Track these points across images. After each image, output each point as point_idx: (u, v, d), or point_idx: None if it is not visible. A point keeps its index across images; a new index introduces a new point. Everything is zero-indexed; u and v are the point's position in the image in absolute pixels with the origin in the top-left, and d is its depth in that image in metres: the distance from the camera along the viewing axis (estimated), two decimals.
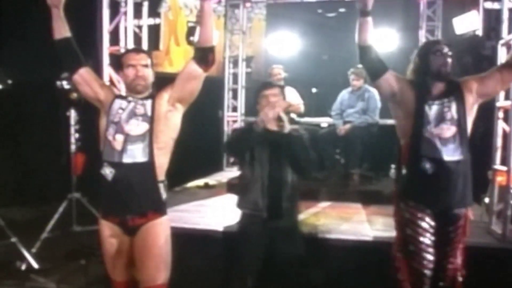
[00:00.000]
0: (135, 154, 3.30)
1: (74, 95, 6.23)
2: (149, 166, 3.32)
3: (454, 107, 3.51)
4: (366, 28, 3.51)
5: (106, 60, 6.04)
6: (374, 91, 7.22)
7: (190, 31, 8.34)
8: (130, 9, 5.99)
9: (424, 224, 3.53)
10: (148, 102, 3.41)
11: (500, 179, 5.12)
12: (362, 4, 3.47)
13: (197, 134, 8.38)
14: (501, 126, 5.10)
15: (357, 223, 5.71)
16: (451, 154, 3.45)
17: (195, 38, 8.08)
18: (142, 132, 3.33)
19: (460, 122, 3.50)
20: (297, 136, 3.93)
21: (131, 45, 5.97)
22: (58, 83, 6.10)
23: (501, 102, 5.05)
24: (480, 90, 3.58)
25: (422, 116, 3.48)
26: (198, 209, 6.28)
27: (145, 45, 6.15)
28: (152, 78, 3.49)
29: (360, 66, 7.18)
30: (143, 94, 3.43)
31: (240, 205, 4.03)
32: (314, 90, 9.53)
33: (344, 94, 7.59)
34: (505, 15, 5.20)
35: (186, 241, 5.07)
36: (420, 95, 3.53)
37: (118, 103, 3.42)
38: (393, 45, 8.95)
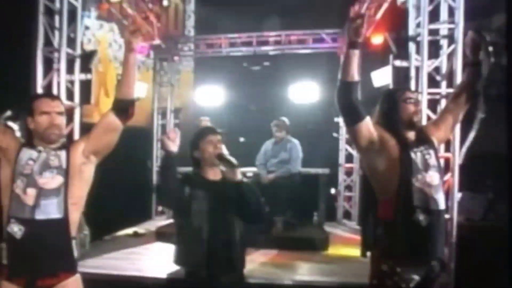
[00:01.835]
0: (49, 210, 3.05)
1: None
2: (63, 222, 3.08)
3: (432, 154, 3.37)
4: (354, 61, 3.15)
5: None
6: (296, 142, 7.83)
7: (120, 79, 8.64)
8: (62, 65, 6.28)
9: (406, 286, 3.24)
10: (63, 153, 3.18)
11: None
12: (353, 34, 3.13)
13: (126, 183, 8.65)
14: None
15: (280, 268, 6.08)
16: (442, 203, 3.31)
17: None
18: (56, 186, 3.09)
19: (440, 169, 3.42)
20: (249, 183, 3.65)
21: (64, 99, 6.16)
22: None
23: (441, 153, 5.51)
24: (438, 136, 3.53)
25: (410, 164, 3.28)
26: (128, 257, 6.55)
27: (77, 99, 6.46)
28: (64, 126, 3.28)
29: (282, 118, 7.87)
30: (55, 144, 3.20)
31: (178, 261, 3.67)
32: (241, 139, 10.03)
33: (267, 145, 8.07)
34: (412, 73, 5.90)
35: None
36: (402, 143, 3.34)
37: (26, 153, 3.14)
38: (314, 97, 9.56)
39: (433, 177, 3.28)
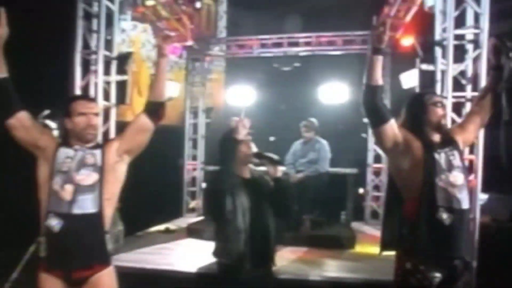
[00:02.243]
0: (85, 205, 3.21)
1: None
2: (98, 217, 3.24)
3: (457, 154, 3.48)
4: (378, 66, 3.36)
5: None
6: (324, 142, 8.01)
7: (152, 82, 8.88)
8: (100, 67, 6.60)
9: (430, 284, 3.34)
10: (98, 152, 3.35)
11: None
12: (376, 41, 3.36)
13: (158, 181, 8.94)
14: None
15: (308, 265, 6.26)
16: (465, 202, 3.40)
17: None
18: (92, 183, 3.26)
19: (465, 169, 3.52)
20: (285, 180, 4.01)
21: (100, 99, 6.55)
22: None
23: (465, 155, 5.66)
24: (464, 138, 3.63)
25: (433, 165, 3.40)
26: (159, 252, 6.81)
27: (113, 99, 6.77)
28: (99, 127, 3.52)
29: (311, 119, 8.05)
30: (91, 143, 3.38)
31: (219, 254, 3.94)
32: (271, 138, 10.21)
33: (296, 145, 8.26)
34: (438, 76, 6.04)
35: (148, 282, 5.74)
36: (426, 144, 3.46)
37: (63, 152, 3.31)
38: (344, 98, 9.62)
39: (457, 177, 3.38)
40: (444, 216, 3.32)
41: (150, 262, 6.21)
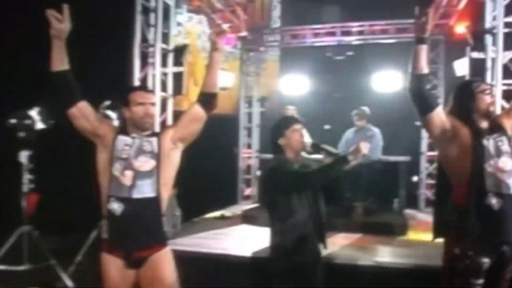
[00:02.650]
0: (144, 189, 3.40)
1: (21, 135, 6.29)
2: (156, 201, 3.44)
3: (505, 140, 3.52)
4: (423, 55, 3.40)
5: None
6: (376, 131, 8.18)
7: (205, 73, 9.17)
8: (157, 59, 6.93)
9: (478, 270, 3.40)
10: (154, 140, 3.52)
11: None
12: (419, 31, 3.41)
13: (214, 169, 9.25)
14: None
15: (359, 251, 6.41)
16: None
17: None
18: (150, 169, 3.44)
19: None
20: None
21: (158, 91, 6.89)
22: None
23: None
24: (511, 124, 3.65)
25: (482, 151, 3.44)
26: (215, 237, 7.10)
27: (170, 90, 7.11)
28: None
29: (363, 107, 8.20)
30: (148, 131, 3.57)
31: (274, 238, 4.01)
32: (326, 127, 10.37)
33: (348, 134, 8.45)
34: (489, 64, 6.11)
35: (203, 265, 5.99)
36: (474, 130, 3.50)
37: (122, 139, 3.49)
38: (398, 86, 9.62)
39: (506, 162, 3.42)
40: (493, 201, 3.36)
41: (206, 246, 6.47)
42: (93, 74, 6.42)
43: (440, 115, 3.45)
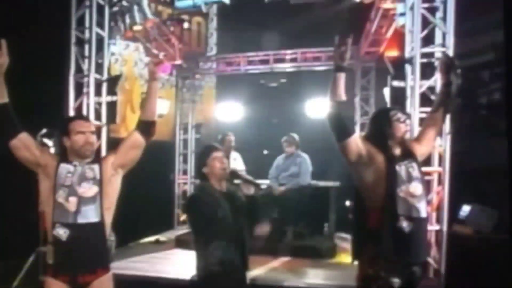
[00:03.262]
0: (89, 214, 3.55)
1: None
2: (100, 225, 3.61)
3: (415, 166, 3.74)
4: (341, 83, 3.57)
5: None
6: (305, 156, 8.60)
7: (143, 102, 9.44)
8: (91, 89, 7.22)
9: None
10: (96, 167, 3.68)
11: None
12: (338, 59, 3.56)
13: (151, 194, 9.48)
14: None
15: (287, 273, 6.84)
16: (423, 211, 3.68)
17: None
18: (93, 194, 3.59)
19: (423, 180, 3.78)
20: (257, 198, 4.24)
21: (92, 119, 7.10)
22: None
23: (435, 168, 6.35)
24: (420, 151, 3.91)
25: (395, 176, 3.65)
26: (149, 261, 7.43)
27: (104, 119, 7.37)
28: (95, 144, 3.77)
29: (292, 134, 8.64)
30: (89, 159, 3.70)
31: (211, 264, 4.03)
32: (265, 152, 10.71)
33: (279, 159, 8.83)
34: (409, 93, 6.51)
35: (140, 287, 6.31)
36: (388, 157, 3.71)
37: (64, 167, 3.62)
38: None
39: (416, 187, 3.66)
40: (404, 224, 3.59)
41: (140, 270, 6.81)
42: (28, 104, 6.60)
43: (356, 141, 3.65)
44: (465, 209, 7.16)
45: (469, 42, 8.14)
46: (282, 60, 10.55)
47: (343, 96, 3.59)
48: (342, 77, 3.59)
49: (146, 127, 3.82)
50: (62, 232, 3.52)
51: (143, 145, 3.83)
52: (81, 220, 3.54)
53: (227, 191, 4.17)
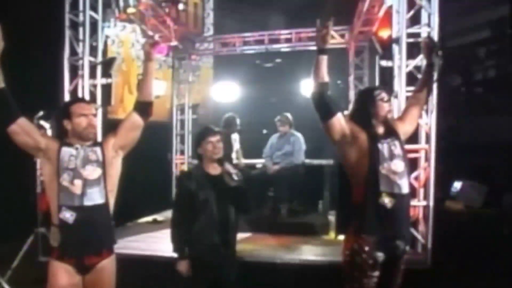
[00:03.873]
0: (94, 197, 3.56)
1: None
2: (105, 207, 3.64)
3: (398, 144, 3.83)
4: (323, 65, 3.67)
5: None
6: (298, 135, 8.79)
7: (140, 83, 9.55)
8: (86, 71, 7.30)
9: (374, 263, 3.75)
10: (98, 149, 3.70)
11: None
12: (320, 42, 3.68)
13: (148, 174, 9.61)
14: None
15: (280, 250, 7.01)
16: (405, 188, 3.77)
17: None
18: (97, 177, 3.61)
19: (405, 158, 3.86)
20: (240, 188, 4.25)
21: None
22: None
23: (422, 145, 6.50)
24: (403, 129, 4.02)
25: (377, 154, 3.75)
26: (146, 240, 7.64)
27: (99, 101, 7.44)
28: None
29: (285, 114, 8.78)
30: (91, 141, 3.71)
31: (197, 245, 4.30)
32: (264, 131, 10.83)
33: (273, 138, 9.06)
34: (396, 72, 6.62)
35: (134, 266, 6.29)
36: (371, 135, 3.81)
37: (66, 151, 3.61)
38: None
39: (397, 165, 3.76)
40: (386, 200, 3.70)
41: (136, 249, 6.99)
42: (25, 87, 6.72)
43: (340, 121, 3.72)
44: (456, 185, 7.32)
45: (464, 20, 8.23)
46: (277, 41, 10.60)
47: (326, 78, 3.70)
48: (324, 59, 3.70)
49: (144, 107, 3.85)
50: (69, 215, 3.53)
51: (141, 126, 3.87)
52: (87, 202, 3.57)
53: (217, 173, 4.32)
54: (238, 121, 9.07)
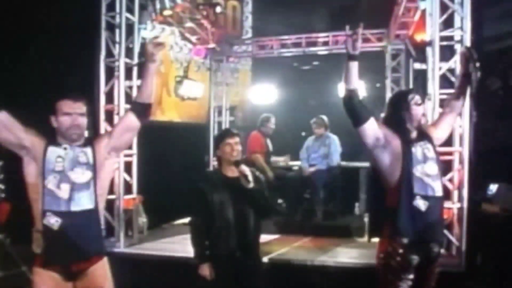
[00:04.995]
0: (82, 202, 3.36)
1: None
2: (95, 212, 3.43)
3: (431, 148, 3.83)
4: (353, 72, 3.65)
5: (102, 116, 7.35)
6: (334, 137, 8.74)
7: (177, 85, 9.63)
8: (122, 73, 7.34)
9: (408, 266, 3.73)
10: (88, 150, 3.47)
11: None
12: (350, 48, 3.65)
13: (185, 176, 9.65)
14: None
15: (313, 252, 6.93)
16: (438, 190, 3.77)
17: (181, 90, 9.53)
18: (87, 180, 3.40)
19: (438, 161, 3.86)
20: (258, 190, 4.13)
21: (123, 103, 7.26)
22: None
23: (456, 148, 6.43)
24: (436, 135, 4.00)
25: (411, 157, 3.73)
26: (181, 242, 7.44)
27: None
28: (86, 126, 3.47)
29: (321, 116, 8.70)
30: (78, 142, 3.46)
31: (214, 249, 4.25)
32: (303, 133, 10.74)
33: (309, 141, 9.01)
34: (430, 75, 6.54)
35: (170, 268, 6.46)
36: (405, 139, 3.78)
37: (53, 151, 3.39)
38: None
39: (431, 167, 3.76)
40: (420, 203, 3.69)
41: (170, 251, 6.94)
42: (61, 89, 6.71)
43: (372, 125, 3.71)
44: (492, 187, 7.14)
45: (504, 25, 8.11)
46: (314, 43, 10.45)
47: (355, 84, 3.68)
48: (354, 65, 3.67)
49: (141, 109, 3.61)
50: (53, 221, 3.31)
51: (137, 128, 3.66)
52: (74, 207, 3.35)
53: (234, 176, 4.18)
54: (273, 120, 9.05)
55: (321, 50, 10.50)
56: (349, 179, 8.96)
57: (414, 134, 3.87)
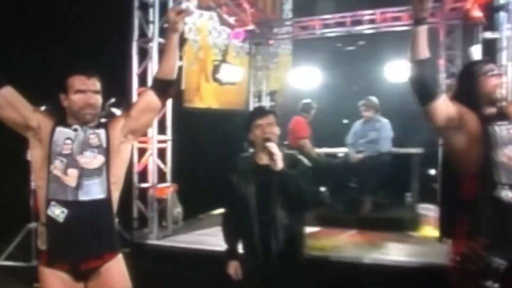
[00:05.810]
0: (92, 190, 3.02)
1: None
2: (107, 202, 3.09)
3: None
4: (422, 38, 3.06)
5: (135, 100, 6.87)
6: (385, 121, 8.04)
7: (215, 69, 9.09)
8: (155, 54, 6.93)
9: (491, 272, 3.06)
10: (102, 132, 3.14)
11: None
12: (418, 10, 3.02)
13: (223, 164, 9.24)
14: None
15: (362, 248, 6.37)
16: None
17: (220, 75, 9.03)
18: (98, 166, 3.06)
19: None
20: (288, 174, 3.52)
21: None
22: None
23: None
24: None
25: (491, 139, 3.17)
26: (217, 233, 7.08)
27: None
28: (100, 106, 3.17)
29: (370, 97, 8.07)
30: (91, 123, 3.14)
31: (244, 247, 3.87)
32: (345, 121, 10.21)
33: (356, 125, 8.34)
34: (504, 43, 5.94)
35: (205, 262, 6.01)
36: (482, 117, 3.23)
37: (62, 132, 3.07)
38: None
39: None
40: (504, 193, 3.10)
41: (206, 243, 6.49)
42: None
43: (444, 103, 3.16)
44: None
45: None
46: (359, 22, 9.76)
47: (426, 53, 3.05)
48: (423, 31, 3.05)
49: (163, 86, 3.24)
50: (58, 212, 2.96)
51: (158, 108, 3.31)
52: (83, 197, 3.00)
53: (266, 163, 3.60)
54: (314, 106, 8.68)
55: (367, 29, 9.79)
56: (400, 167, 8.33)
57: (493, 111, 3.27)
